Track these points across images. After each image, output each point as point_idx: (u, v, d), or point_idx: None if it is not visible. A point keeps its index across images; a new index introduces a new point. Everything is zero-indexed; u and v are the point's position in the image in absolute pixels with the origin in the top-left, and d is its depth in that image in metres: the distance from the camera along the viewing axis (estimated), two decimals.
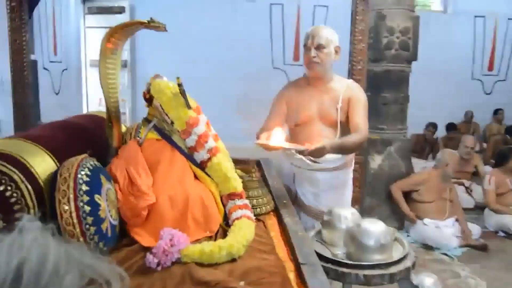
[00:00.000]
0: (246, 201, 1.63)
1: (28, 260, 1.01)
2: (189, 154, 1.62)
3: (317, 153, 1.83)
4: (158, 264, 1.24)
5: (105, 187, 1.34)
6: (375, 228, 1.68)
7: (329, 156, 2.09)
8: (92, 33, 6.50)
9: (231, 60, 6.34)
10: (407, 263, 1.69)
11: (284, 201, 1.86)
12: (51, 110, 5.22)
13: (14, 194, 1.17)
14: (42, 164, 1.31)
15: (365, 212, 4.18)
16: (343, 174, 2.19)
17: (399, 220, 4.17)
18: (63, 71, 6.40)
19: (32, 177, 1.23)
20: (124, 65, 6.69)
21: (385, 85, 4.05)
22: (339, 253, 1.73)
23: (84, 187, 1.23)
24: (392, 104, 4.06)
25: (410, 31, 3.93)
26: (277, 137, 1.83)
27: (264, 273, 1.23)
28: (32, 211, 1.20)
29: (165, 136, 1.63)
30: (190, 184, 1.56)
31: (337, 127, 2.10)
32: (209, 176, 1.62)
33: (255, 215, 1.67)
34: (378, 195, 4.17)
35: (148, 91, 1.65)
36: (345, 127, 2.10)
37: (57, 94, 6.38)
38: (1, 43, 2.91)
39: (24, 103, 2.93)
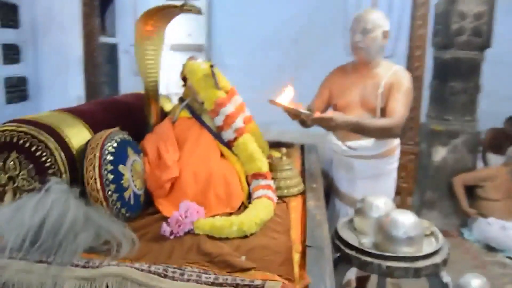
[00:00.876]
0: (270, 182, 1.66)
1: (49, 217, 1.15)
2: (216, 133, 1.69)
3: (323, 123, 1.77)
4: (171, 233, 1.33)
5: (131, 159, 1.45)
6: (405, 219, 1.62)
7: (364, 143, 2.05)
8: None
9: (306, 48, 6.29)
10: (437, 259, 1.62)
11: (314, 185, 1.85)
12: (131, 89, 5.59)
13: (49, 160, 1.32)
14: (78, 135, 1.44)
15: (425, 206, 4.01)
16: (383, 164, 2.11)
17: (462, 217, 3.94)
18: None
19: (65, 146, 1.37)
20: (200, 49, 6.96)
21: (454, 73, 3.78)
22: (366, 241, 1.70)
23: (109, 157, 1.35)
24: (461, 94, 3.79)
25: (484, 16, 3.62)
26: (285, 96, 1.79)
27: (268, 251, 1.26)
28: (64, 176, 1.34)
29: (196, 115, 1.71)
30: (215, 161, 1.63)
31: (377, 114, 2.03)
32: (235, 155, 1.68)
33: (281, 197, 1.70)
34: (441, 189, 3.95)
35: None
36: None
37: (136, 75, 6.81)
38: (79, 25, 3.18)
39: (95, 81, 3.22)
